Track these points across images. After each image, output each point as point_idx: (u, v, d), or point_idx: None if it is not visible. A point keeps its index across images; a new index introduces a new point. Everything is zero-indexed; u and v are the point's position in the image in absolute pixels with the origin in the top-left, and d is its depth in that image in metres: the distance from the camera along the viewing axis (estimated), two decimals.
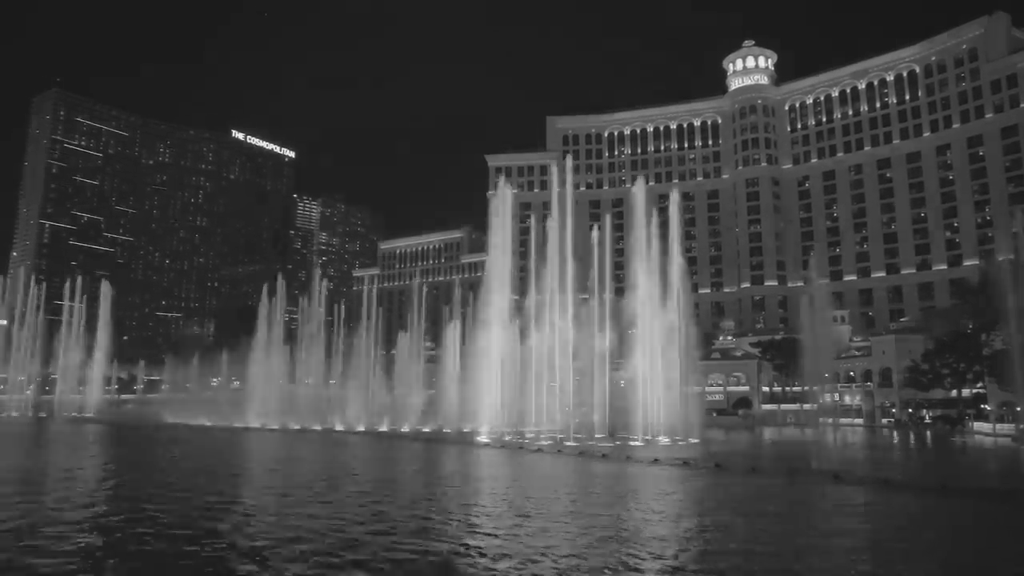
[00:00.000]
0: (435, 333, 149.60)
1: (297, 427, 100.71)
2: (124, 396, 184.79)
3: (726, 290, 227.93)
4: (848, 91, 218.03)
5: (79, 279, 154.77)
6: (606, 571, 19.02)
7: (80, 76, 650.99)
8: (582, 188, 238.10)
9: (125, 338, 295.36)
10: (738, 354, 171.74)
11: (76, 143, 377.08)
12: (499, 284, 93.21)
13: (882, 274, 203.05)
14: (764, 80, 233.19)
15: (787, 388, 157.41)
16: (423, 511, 29.13)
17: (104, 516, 27.18)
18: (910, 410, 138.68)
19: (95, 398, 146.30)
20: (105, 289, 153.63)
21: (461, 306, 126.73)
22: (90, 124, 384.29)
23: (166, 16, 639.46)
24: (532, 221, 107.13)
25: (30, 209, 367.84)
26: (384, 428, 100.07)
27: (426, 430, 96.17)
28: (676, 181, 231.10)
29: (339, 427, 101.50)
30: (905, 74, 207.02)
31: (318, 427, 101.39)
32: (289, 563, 19.48)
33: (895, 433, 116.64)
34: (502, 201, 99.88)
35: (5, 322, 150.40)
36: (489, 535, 23.92)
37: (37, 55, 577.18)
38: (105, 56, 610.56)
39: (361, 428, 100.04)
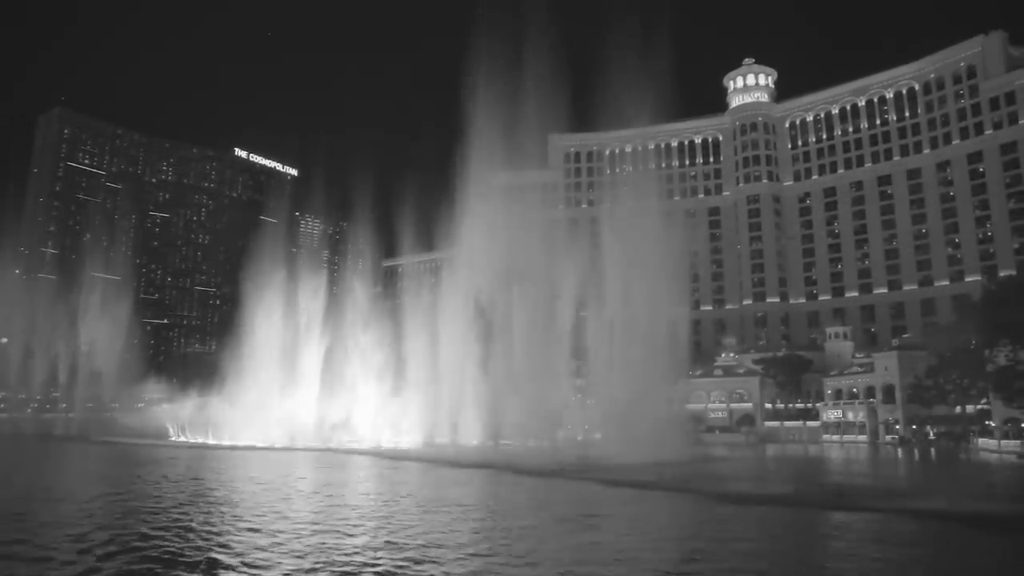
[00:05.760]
0: None
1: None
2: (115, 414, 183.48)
3: (728, 307, 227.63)
4: (848, 108, 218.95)
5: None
6: None
7: (85, 95, 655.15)
8: (584, 205, 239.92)
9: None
10: (740, 371, 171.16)
11: (80, 162, 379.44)
12: None
13: (884, 290, 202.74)
14: (764, 97, 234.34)
15: (790, 405, 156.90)
16: None
17: None
18: (914, 427, 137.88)
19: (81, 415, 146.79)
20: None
21: None
22: (94, 142, 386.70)
23: (170, 33, 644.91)
24: None
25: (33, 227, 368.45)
26: None
27: None
28: (677, 198, 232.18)
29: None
30: (904, 91, 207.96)
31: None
32: None
33: (898, 450, 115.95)
34: None
35: (6, 340, 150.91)
36: None
37: (42, 75, 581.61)
38: (110, 75, 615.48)
39: None
